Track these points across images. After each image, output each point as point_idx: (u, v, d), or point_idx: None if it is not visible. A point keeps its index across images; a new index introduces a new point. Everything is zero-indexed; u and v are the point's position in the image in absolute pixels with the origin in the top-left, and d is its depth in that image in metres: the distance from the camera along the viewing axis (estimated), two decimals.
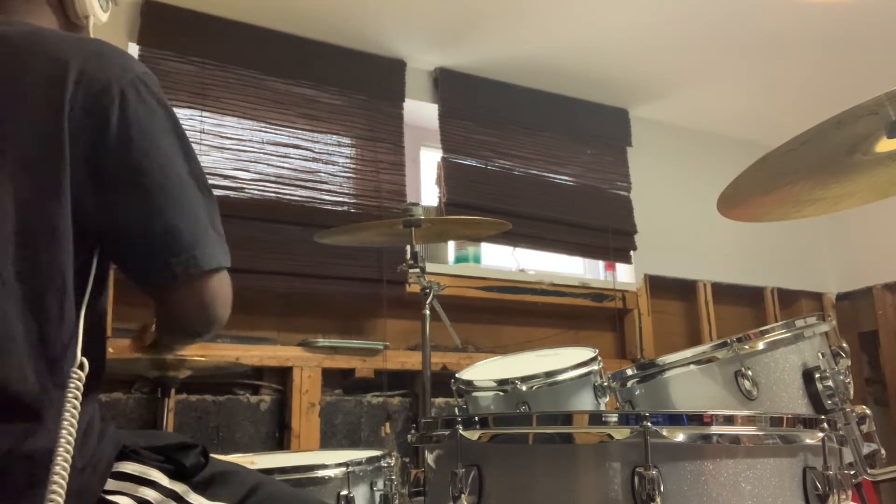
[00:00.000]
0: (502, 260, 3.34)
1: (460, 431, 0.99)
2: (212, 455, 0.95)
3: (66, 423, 0.74)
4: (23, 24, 0.91)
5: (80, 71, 0.83)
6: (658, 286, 3.51)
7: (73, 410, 0.75)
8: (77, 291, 0.82)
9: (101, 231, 0.84)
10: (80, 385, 0.77)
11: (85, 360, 0.79)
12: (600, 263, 3.57)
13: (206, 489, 0.89)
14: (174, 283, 0.87)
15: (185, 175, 0.87)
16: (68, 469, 0.72)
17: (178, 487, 0.87)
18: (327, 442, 2.65)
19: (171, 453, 0.89)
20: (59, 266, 0.80)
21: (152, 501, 0.84)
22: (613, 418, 0.93)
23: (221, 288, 0.89)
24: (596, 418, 0.97)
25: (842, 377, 1.36)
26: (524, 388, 1.63)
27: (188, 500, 0.87)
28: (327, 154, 2.88)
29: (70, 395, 0.76)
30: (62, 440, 0.72)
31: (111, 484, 0.84)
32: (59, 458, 0.71)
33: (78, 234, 0.82)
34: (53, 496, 0.70)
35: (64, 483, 0.71)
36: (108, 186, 0.83)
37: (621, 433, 0.90)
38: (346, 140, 2.94)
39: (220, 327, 0.92)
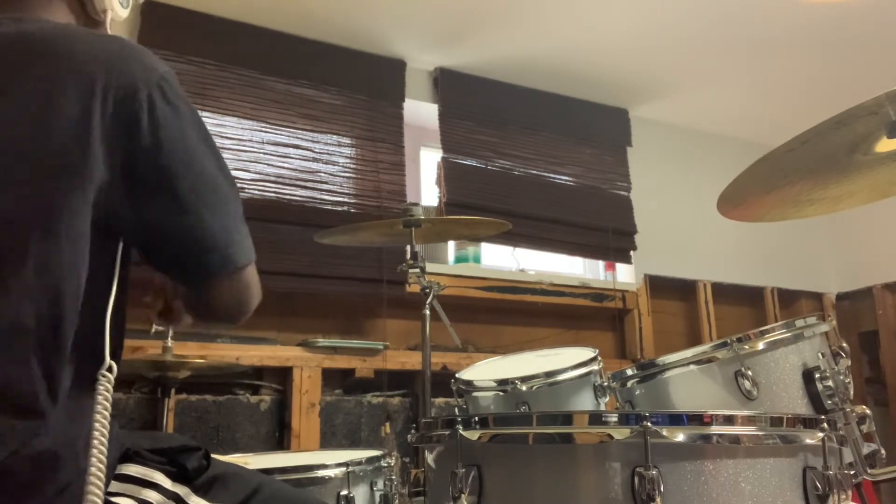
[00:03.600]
0: (502, 260, 3.34)
1: (460, 431, 0.99)
2: (214, 457, 0.95)
3: (98, 424, 0.74)
4: (43, 22, 0.90)
5: (107, 74, 0.82)
6: (658, 286, 3.51)
7: (105, 412, 0.75)
8: (100, 294, 0.82)
9: (135, 234, 0.85)
10: (110, 387, 0.78)
11: (114, 364, 0.80)
12: (600, 263, 3.57)
13: (207, 491, 0.89)
14: (212, 280, 0.90)
15: (214, 172, 0.89)
16: (104, 474, 0.72)
17: (180, 490, 0.87)
18: (327, 442, 2.65)
19: (173, 455, 0.89)
20: (76, 268, 0.79)
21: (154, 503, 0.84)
22: (613, 418, 0.93)
23: (253, 279, 0.93)
24: (596, 418, 0.97)
25: (842, 377, 1.36)
26: (524, 388, 1.63)
27: (189, 502, 0.87)
28: (327, 154, 2.88)
29: (100, 396, 0.77)
30: (95, 441, 0.73)
31: (114, 486, 0.83)
32: (93, 460, 0.72)
33: (104, 237, 0.82)
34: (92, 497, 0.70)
35: (101, 490, 0.71)
36: (141, 190, 0.83)
37: (621, 433, 0.90)
38: (346, 140, 2.94)
39: (251, 312, 0.96)
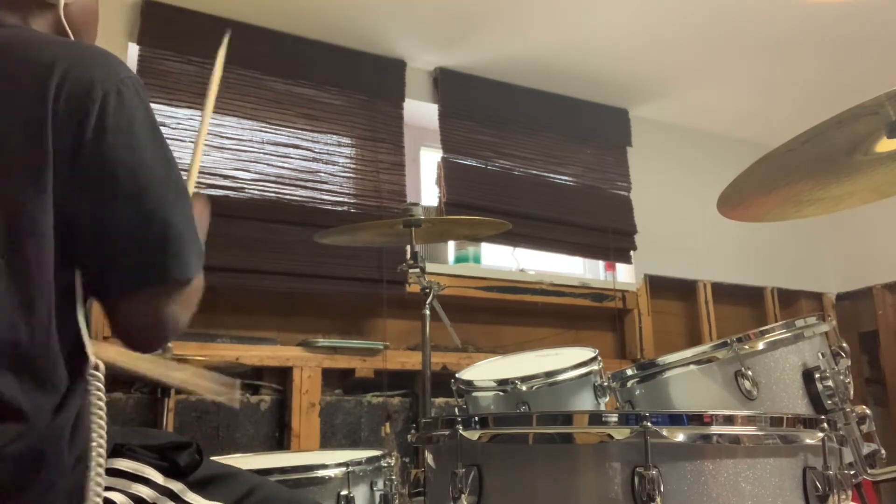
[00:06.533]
0: (502, 260, 3.34)
1: (460, 431, 0.99)
2: (211, 457, 0.95)
3: (95, 426, 0.73)
4: (5, 28, 0.91)
5: (64, 74, 0.82)
6: (658, 286, 3.51)
7: (101, 412, 0.74)
8: (69, 291, 0.81)
9: (73, 233, 0.82)
10: (102, 385, 0.76)
11: (100, 362, 0.78)
12: (600, 263, 3.57)
13: (203, 488, 0.89)
14: (134, 293, 0.85)
15: (160, 181, 0.86)
16: (104, 468, 0.72)
17: (175, 486, 0.87)
18: (327, 442, 2.65)
19: (165, 452, 0.89)
20: (45, 267, 0.79)
21: (146, 498, 0.84)
22: (613, 418, 0.93)
23: (182, 303, 0.87)
24: (596, 418, 0.97)
25: (842, 377, 1.36)
26: (524, 388, 1.63)
27: (185, 498, 0.87)
28: (327, 154, 2.88)
29: (93, 397, 0.75)
30: (94, 444, 0.72)
31: (104, 480, 0.83)
32: (93, 462, 0.71)
33: (63, 236, 0.81)
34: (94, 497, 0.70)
35: (102, 483, 0.71)
36: (84, 189, 0.81)
37: (621, 433, 0.90)
38: (346, 140, 2.94)
39: (167, 343, 0.90)
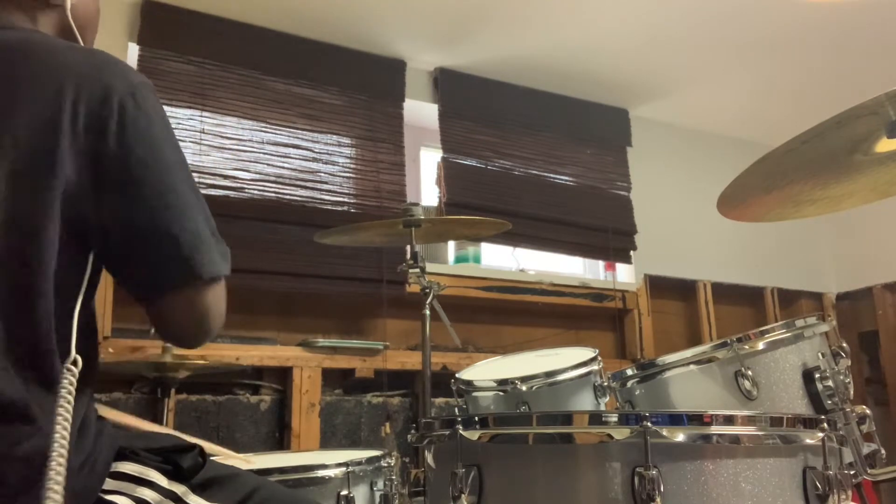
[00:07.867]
0: (502, 260, 3.34)
1: (460, 431, 0.99)
2: (212, 459, 0.95)
3: (60, 418, 0.73)
4: (15, 30, 0.92)
5: (78, 82, 0.83)
6: (658, 286, 3.51)
7: (67, 406, 0.74)
8: (70, 293, 0.82)
9: (101, 238, 0.84)
10: (74, 381, 0.77)
11: (78, 357, 0.78)
12: (600, 263, 3.57)
13: (204, 490, 0.89)
14: (171, 292, 0.86)
15: (181, 182, 0.88)
16: (65, 466, 0.71)
17: (177, 488, 0.87)
18: (327, 442, 2.65)
19: (168, 454, 0.89)
20: (46, 271, 0.79)
21: (151, 502, 0.84)
22: (613, 418, 0.93)
23: (217, 298, 0.89)
24: (596, 418, 0.97)
25: (842, 377, 1.36)
26: (524, 388, 1.63)
27: (187, 501, 0.87)
28: (327, 154, 2.88)
29: (63, 390, 0.75)
30: (57, 436, 0.72)
31: (109, 484, 0.84)
32: (55, 455, 0.71)
33: (73, 240, 0.81)
34: (51, 494, 0.70)
35: (62, 480, 0.70)
36: (108, 195, 0.83)
37: (621, 433, 0.90)
38: (346, 140, 2.94)
39: (211, 338, 0.91)
